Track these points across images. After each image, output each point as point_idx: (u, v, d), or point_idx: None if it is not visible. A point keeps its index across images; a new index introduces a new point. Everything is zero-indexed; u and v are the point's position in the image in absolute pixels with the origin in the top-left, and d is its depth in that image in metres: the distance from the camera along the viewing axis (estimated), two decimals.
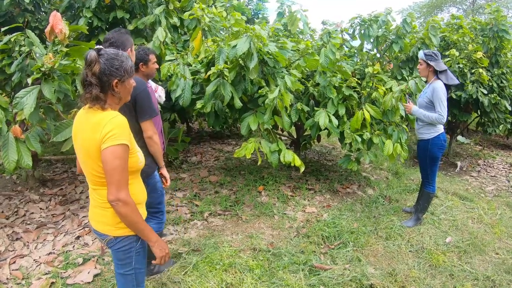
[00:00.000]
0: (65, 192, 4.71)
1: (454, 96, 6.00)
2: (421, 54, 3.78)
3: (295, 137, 5.65)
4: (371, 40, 4.65)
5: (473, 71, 5.88)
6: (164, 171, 2.90)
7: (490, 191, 5.46)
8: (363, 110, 4.22)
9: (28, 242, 3.59)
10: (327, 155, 6.70)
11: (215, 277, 3.04)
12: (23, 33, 3.46)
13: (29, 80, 3.10)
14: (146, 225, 1.76)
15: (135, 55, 3.19)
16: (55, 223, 3.95)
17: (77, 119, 1.78)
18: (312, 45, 4.19)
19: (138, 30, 4.55)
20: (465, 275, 3.24)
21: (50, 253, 3.43)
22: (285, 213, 4.29)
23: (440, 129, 3.80)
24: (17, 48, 3.42)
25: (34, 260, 3.32)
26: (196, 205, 4.42)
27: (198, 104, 4.00)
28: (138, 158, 1.82)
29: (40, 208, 4.23)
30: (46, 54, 3.19)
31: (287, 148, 3.91)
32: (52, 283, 2.99)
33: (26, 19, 4.11)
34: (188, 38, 4.89)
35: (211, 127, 4.42)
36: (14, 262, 3.28)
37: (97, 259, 3.29)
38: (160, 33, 4.10)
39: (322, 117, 4.16)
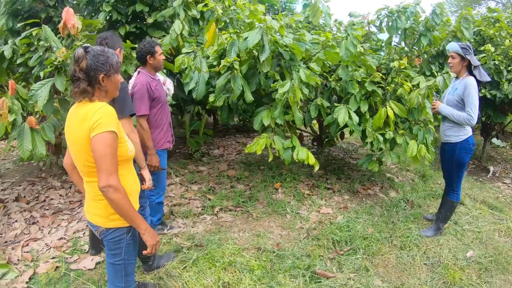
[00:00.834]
0: None
1: (488, 96, 5.47)
2: (454, 46, 3.36)
3: (318, 133, 5.45)
4: (399, 33, 4.34)
5: (509, 68, 5.35)
6: (144, 171, 2.84)
7: None
8: (386, 108, 3.96)
9: (43, 226, 3.73)
10: (352, 153, 6.43)
11: (213, 275, 2.97)
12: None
13: (41, 73, 3.19)
14: (137, 213, 1.80)
15: (142, 48, 3.21)
16: (71, 209, 4.08)
17: (68, 115, 1.85)
18: (334, 37, 3.98)
19: (158, 23, 4.55)
20: None
21: (61, 238, 3.54)
22: (298, 213, 4.14)
23: (469, 131, 3.44)
24: (35, 42, 3.53)
25: (45, 244, 3.45)
26: (209, 199, 4.39)
27: (211, 98, 3.93)
28: (128, 147, 1.87)
29: (60, 195, 4.39)
30: (59, 48, 3.26)
31: (310, 145, 3.74)
32: (57, 267, 3.08)
33: (49, 14, 4.23)
34: None
35: (224, 121, 4.34)
36: (27, 245, 3.41)
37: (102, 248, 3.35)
38: (177, 26, 4.07)
39: (341, 114, 3.95)
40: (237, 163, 5.52)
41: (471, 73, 3.36)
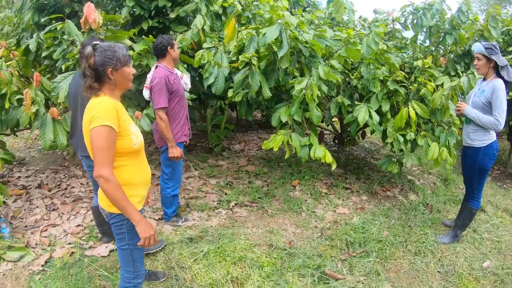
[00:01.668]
0: None
1: None
2: (478, 47, 3.19)
3: (339, 131, 5.37)
4: (424, 31, 4.21)
5: None
6: None
7: None
8: (408, 108, 3.85)
9: (62, 213, 3.84)
10: (374, 153, 6.29)
11: (223, 269, 2.98)
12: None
13: (63, 67, 3.28)
14: (130, 204, 1.83)
15: (161, 41, 3.24)
16: (91, 198, 4.18)
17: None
18: (356, 34, 3.90)
19: (180, 18, 4.59)
20: None
21: (79, 225, 3.63)
22: (314, 211, 4.10)
23: (493, 136, 3.27)
24: (59, 36, 3.64)
25: (63, 230, 3.55)
26: (226, 194, 4.40)
27: (229, 93, 3.94)
28: (132, 140, 1.90)
29: (81, 184, 4.51)
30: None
31: (332, 143, 3.69)
32: (72, 252, 3.17)
33: (74, 9, 4.34)
34: None
35: (242, 116, 4.33)
36: (46, 230, 3.53)
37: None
38: (199, 21, 4.09)
39: (362, 113, 3.88)
40: (257, 159, 5.51)
41: (498, 74, 3.19)
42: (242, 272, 2.99)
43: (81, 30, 3.57)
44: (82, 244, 3.30)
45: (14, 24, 5.18)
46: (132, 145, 1.90)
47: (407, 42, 4.94)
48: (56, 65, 3.73)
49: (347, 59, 4.14)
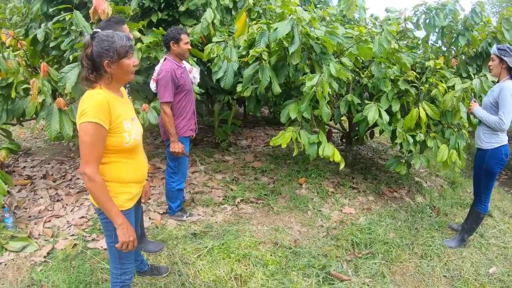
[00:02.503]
0: None
1: None
2: (493, 48, 3.24)
3: (347, 130, 5.31)
4: (436, 31, 4.13)
5: None
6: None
7: None
8: (419, 108, 3.79)
9: (67, 204, 3.82)
10: (382, 153, 6.22)
11: (226, 266, 2.95)
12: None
13: (71, 57, 3.25)
14: (112, 206, 1.77)
15: (168, 34, 3.20)
16: None
17: None
18: (368, 32, 3.84)
19: (190, 11, 4.54)
20: None
21: (83, 217, 3.60)
22: (320, 210, 4.05)
23: (504, 140, 3.24)
24: (67, 27, 3.60)
25: (67, 221, 3.52)
26: (231, 190, 4.36)
27: (238, 88, 3.89)
28: (124, 138, 1.81)
29: None
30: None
31: (339, 142, 3.64)
32: (75, 244, 3.14)
33: (83, 0, 4.30)
34: None
35: (251, 112, 4.28)
36: (50, 221, 3.50)
37: None
38: (209, 14, 4.04)
39: (371, 112, 3.82)
40: (264, 155, 5.46)
41: None
42: (246, 269, 2.95)
43: (90, 21, 3.53)
44: (85, 236, 3.28)
45: (22, 14, 5.15)
46: (124, 143, 1.81)
47: (419, 42, 4.86)
48: (64, 55, 3.69)
49: (358, 57, 4.08)
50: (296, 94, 3.97)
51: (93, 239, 3.24)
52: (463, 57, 4.71)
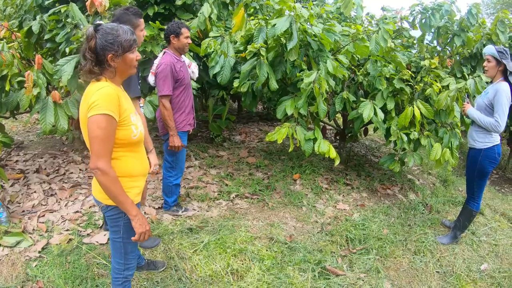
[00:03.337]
0: None
1: None
2: (490, 49, 3.23)
3: (341, 127, 5.35)
4: (432, 31, 4.18)
5: None
6: (151, 156, 2.69)
7: None
8: (413, 107, 3.83)
9: (60, 199, 3.79)
10: (375, 151, 6.28)
11: (223, 261, 2.96)
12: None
13: (67, 50, 3.21)
14: (127, 198, 1.76)
15: (168, 27, 3.18)
16: (89, 184, 4.12)
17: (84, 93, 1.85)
18: (364, 30, 3.87)
19: (187, 5, 4.52)
20: None
21: (77, 211, 3.58)
22: (314, 206, 4.08)
23: (496, 139, 3.29)
24: (63, 19, 3.56)
25: (61, 216, 3.49)
26: (226, 185, 4.37)
27: (235, 83, 3.89)
28: (131, 131, 1.81)
29: (80, 169, 4.45)
30: (85, 26, 3.28)
31: (333, 139, 3.67)
32: (70, 239, 3.12)
33: None
34: None
35: (247, 107, 4.28)
36: (43, 216, 3.47)
37: None
38: (206, 9, 4.03)
39: (367, 110, 3.85)
40: (258, 151, 5.47)
41: (506, 79, 3.21)
42: (242, 264, 2.97)
43: (86, 13, 3.50)
44: (80, 231, 3.26)
45: (16, 6, 5.06)
46: (132, 136, 1.81)
47: (414, 41, 4.91)
48: (59, 48, 3.65)
49: (354, 55, 4.11)
50: (292, 90, 3.99)
51: (88, 234, 3.22)
52: (458, 58, 4.77)
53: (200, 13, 4.02)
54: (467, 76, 4.49)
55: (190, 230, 3.33)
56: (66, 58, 3.35)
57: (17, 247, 2.98)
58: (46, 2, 4.02)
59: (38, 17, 3.91)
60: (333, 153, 3.64)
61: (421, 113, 3.86)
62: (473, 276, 3.17)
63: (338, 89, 4.17)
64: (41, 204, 3.67)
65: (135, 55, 1.80)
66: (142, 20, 2.73)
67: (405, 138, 3.90)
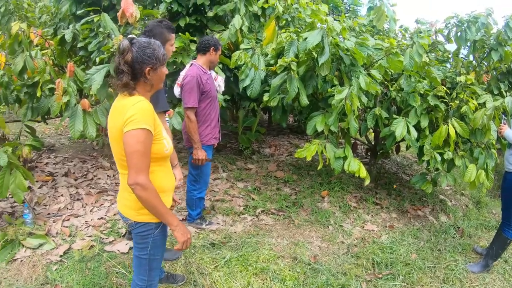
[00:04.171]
0: None
1: None
2: None
3: (372, 144, 5.19)
4: (468, 45, 4.00)
5: None
6: (176, 170, 2.62)
7: None
8: (448, 125, 3.66)
9: (86, 204, 3.83)
10: (406, 168, 6.06)
11: (243, 279, 2.89)
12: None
13: (97, 59, 3.26)
14: (167, 210, 1.76)
15: (209, 39, 3.18)
16: (116, 191, 4.15)
17: (112, 105, 1.84)
18: (398, 44, 3.74)
19: (218, 17, 4.52)
20: None
21: (101, 218, 3.60)
22: (341, 225, 3.94)
23: None
24: (95, 28, 3.62)
25: (85, 221, 3.52)
26: (253, 199, 4.29)
27: (265, 97, 3.83)
28: (164, 146, 1.82)
29: (108, 175, 4.50)
30: (116, 36, 3.32)
31: (363, 155, 3.55)
32: (92, 246, 3.13)
33: (112, 2, 4.34)
34: None
35: (277, 121, 4.21)
36: (68, 220, 3.51)
37: None
38: (237, 21, 4.00)
39: (399, 127, 3.69)
40: (287, 165, 5.38)
41: None
42: (263, 284, 2.88)
43: (118, 24, 3.54)
44: (103, 238, 3.26)
45: (52, 14, 5.22)
46: (164, 151, 1.81)
47: (449, 55, 4.72)
48: (91, 56, 3.71)
49: (387, 70, 3.98)
50: (323, 105, 3.89)
51: (110, 242, 3.23)
52: (495, 73, 4.56)
53: (231, 25, 4.00)
54: (504, 93, 4.27)
55: (212, 245, 3.28)
56: (96, 67, 3.40)
57: (39, 249, 3.02)
58: (79, 12, 4.10)
59: (71, 25, 4.00)
60: (363, 173, 3.52)
61: (456, 132, 3.68)
62: None
63: (371, 104, 4.04)
64: (67, 208, 3.71)
65: (165, 69, 1.83)
66: (173, 35, 2.73)
67: (438, 158, 3.72)
